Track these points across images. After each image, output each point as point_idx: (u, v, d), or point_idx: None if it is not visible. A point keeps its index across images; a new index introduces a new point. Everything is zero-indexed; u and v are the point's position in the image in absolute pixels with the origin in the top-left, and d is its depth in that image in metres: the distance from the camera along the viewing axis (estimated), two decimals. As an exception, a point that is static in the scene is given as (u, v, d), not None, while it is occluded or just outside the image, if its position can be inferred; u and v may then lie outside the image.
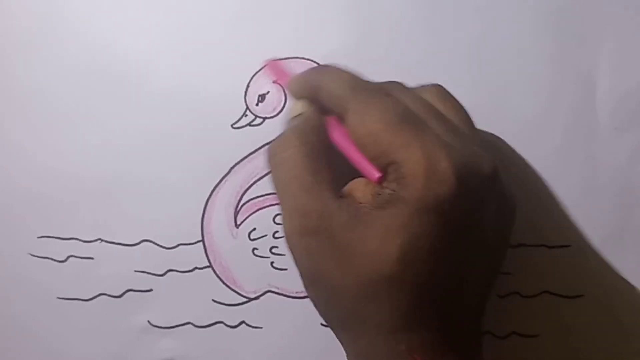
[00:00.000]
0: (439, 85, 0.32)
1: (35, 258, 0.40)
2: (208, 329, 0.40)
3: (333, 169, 0.30)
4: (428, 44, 0.40)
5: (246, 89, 0.40)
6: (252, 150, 0.40)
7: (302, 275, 0.30)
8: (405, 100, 0.29)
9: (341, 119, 0.30)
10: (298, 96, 0.33)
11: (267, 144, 0.40)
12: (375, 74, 0.40)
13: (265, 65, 0.39)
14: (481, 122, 0.40)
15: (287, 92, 0.35)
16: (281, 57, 0.40)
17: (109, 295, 0.40)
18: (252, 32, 0.40)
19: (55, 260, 0.40)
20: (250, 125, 0.40)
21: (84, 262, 0.40)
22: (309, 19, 0.40)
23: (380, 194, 0.27)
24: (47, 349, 0.40)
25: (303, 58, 0.40)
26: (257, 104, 0.40)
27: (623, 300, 0.39)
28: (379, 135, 0.27)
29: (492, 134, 0.39)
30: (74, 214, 0.40)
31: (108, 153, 0.40)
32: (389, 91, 0.30)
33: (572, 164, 0.40)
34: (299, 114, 0.32)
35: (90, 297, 0.40)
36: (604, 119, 0.40)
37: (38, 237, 0.40)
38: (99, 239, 0.40)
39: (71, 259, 0.40)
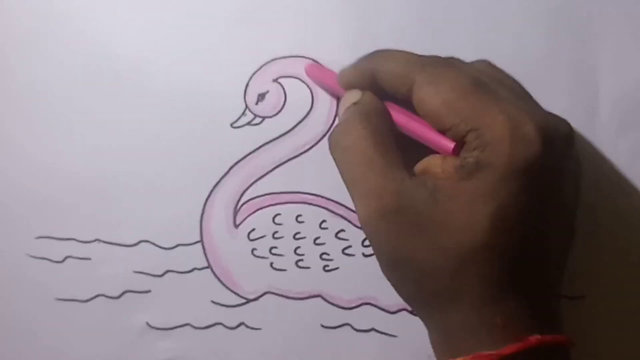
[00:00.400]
0: (487, 60, 0.32)
1: (33, 259, 0.40)
2: (207, 330, 0.40)
3: (401, 150, 0.29)
4: (427, 44, 0.40)
5: (245, 88, 0.40)
6: (252, 149, 0.40)
7: (382, 260, 0.30)
8: (471, 70, 0.29)
9: (406, 98, 0.30)
10: (352, 86, 0.33)
11: (266, 143, 0.40)
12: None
13: (306, 71, 0.39)
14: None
15: (339, 85, 0.34)
16: (281, 56, 0.40)
17: (107, 296, 0.40)
18: (251, 31, 0.40)
19: (53, 260, 0.40)
20: (249, 125, 0.40)
21: (81, 262, 0.40)
22: (309, 18, 0.40)
23: (463, 165, 0.26)
24: (45, 350, 0.40)
25: (303, 57, 0.40)
26: (256, 103, 0.40)
27: (624, 301, 0.39)
28: (455, 103, 0.27)
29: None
30: (71, 214, 0.40)
31: (106, 153, 0.40)
32: (452, 63, 0.30)
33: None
34: (355, 103, 0.32)
35: (88, 298, 0.40)
36: (604, 119, 0.40)
37: (36, 238, 0.40)
38: (97, 239, 0.40)
39: (69, 259, 0.40)
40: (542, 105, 0.40)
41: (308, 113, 0.40)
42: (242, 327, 0.40)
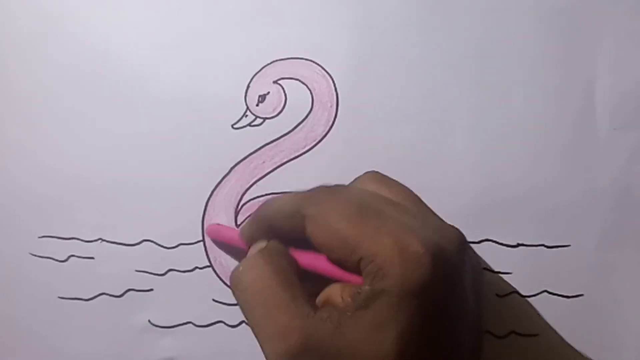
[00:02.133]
0: (375, 171, 0.32)
1: (36, 258, 0.40)
2: (208, 328, 0.40)
3: (304, 282, 0.29)
4: (429, 45, 0.40)
5: (246, 90, 0.40)
6: (253, 150, 0.40)
7: None
8: (356, 195, 0.29)
9: (301, 234, 0.29)
10: (254, 239, 0.33)
11: (267, 144, 0.40)
12: (377, 74, 0.40)
13: (206, 233, 0.40)
14: (481, 123, 0.40)
15: (241, 243, 0.34)
16: (282, 58, 0.40)
17: (110, 295, 0.40)
18: (252, 33, 0.40)
19: (56, 260, 0.40)
20: (250, 126, 0.40)
21: (84, 261, 0.40)
22: (309, 19, 0.40)
23: (359, 293, 0.26)
24: (48, 349, 0.40)
25: (303, 59, 0.40)
26: (257, 105, 0.40)
27: (623, 300, 0.39)
28: (343, 233, 0.26)
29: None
30: (74, 214, 0.40)
31: (109, 153, 0.40)
32: (338, 191, 0.29)
33: (571, 164, 0.40)
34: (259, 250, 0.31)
35: (91, 296, 0.40)
36: (603, 119, 0.40)
37: (39, 237, 0.40)
38: (100, 238, 0.40)
39: (72, 258, 0.40)
40: (542, 105, 0.40)
41: (308, 114, 0.40)
42: (244, 325, 0.40)
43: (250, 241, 0.33)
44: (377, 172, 0.32)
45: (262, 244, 0.31)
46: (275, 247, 0.31)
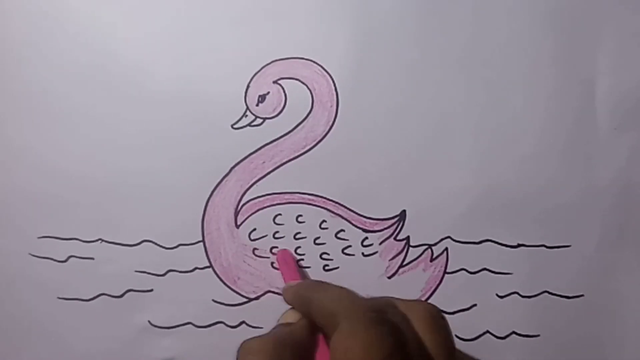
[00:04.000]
0: (434, 307, 0.29)
1: (36, 258, 0.40)
2: (208, 329, 0.40)
3: None
4: (429, 45, 0.40)
5: (246, 90, 0.40)
6: (253, 150, 0.40)
7: None
8: (398, 334, 0.26)
9: (329, 337, 0.28)
10: (291, 304, 0.32)
11: (267, 144, 0.40)
12: (377, 74, 0.40)
13: (277, 256, 0.40)
14: (482, 123, 0.40)
15: (284, 298, 0.34)
16: (281, 58, 0.40)
17: (110, 295, 0.40)
18: (252, 33, 0.40)
19: (55, 260, 0.40)
20: (250, 126, 0.40)
21: (84, 262, 0.40)
22: (309, 20, 0.40)
23: None
24: (48, 349, 0.40)
25: (303, 58, 0.40)
26: (257, 105, 0.40)
27: (623, 300, 0.39)
28: None
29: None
30: (74, 214, 0.40)
31: (108, 153, 0.40)
32: (382, 316, 0.27)
33: (571, 164, 0.40)
34: (288, 323, 0.31)
35: (91, 297, 0.40)
36: (603, 119, 0.40)
37: (38, 237, 0.40)
38: (100, 239, 0.40)
39: (72, 259, 0.40)
40: (542, 105, 0.40)
41: (308, 114, 0.40)
42: (243, 325, 0.40)
43: (288, 302, 0.32)
44: (436, 309, 0.28)
45: (294, 317, 0.31)
46: (295, 336, 0.29)
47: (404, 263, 0.40)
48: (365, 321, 0.26)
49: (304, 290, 0.31)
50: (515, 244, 0.40)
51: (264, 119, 0.40)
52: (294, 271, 0.38)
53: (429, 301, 0.40)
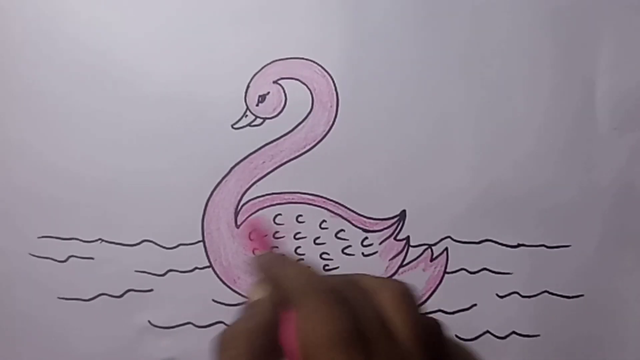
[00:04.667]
0: (403, 284, 0.28)
1: (36, 258, 0.40)
2: (208, 328, 0.40)
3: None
4: (429, 45, 0.40)
5: (246, 90, 0.40)
6: (252, 150, 0.40)
7: None
8: (357, 312, 0.26)
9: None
10: (259, 276, 0.31)
11: (267, 144, 0.40)
12: (377, 74, 0.40)
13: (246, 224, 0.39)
14: (482, 123, 0.40)
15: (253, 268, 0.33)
16: (281, 58, 0.40)
17: (110, 295, 0.40)
18: (252, 33, 0.40)
19: (55, 260, 0.40)
20: (250, 126, 0.40)
21: (84, 262, 0.40)
22: (309, 20, 0.40)
23: None
24: (48, 349, 0.40)
25: (303, 58, 0.40)
26: (257, 105, 0.40)
27: (623, 299, 0.39)
28: (322, 350, 0.25)
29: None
30: (74, 214, 0.40)
31: (108, 154, 0.40)
32: (343, 296, 0.27)
33: (571, 165, 0.40)
34: (256, 301, 0.30)
35: (91, 297, 0.40)
36: (603, 119, 0.40)
37: (38, 237, 0.40)
38: (100, 239, 0.40)
39: (72, 259, 0.40)
40: (542, 105, 0.40)
41: (308, 114, 0.40)
42: (244, 325, 0.40)
43: (257, 274, 0.32)
44: (406, 288, 0.28)
45: (259, 292, 0.31)
46: (263, 318, 0.29)
47: (404, 263, 0.40)
48: (319, 301, 0.26)
49: (266, 266, 0.31)
50: (516, 243, 0.40)
51: (264, 119, 0.40)
52: (262, 240, 0.38)
53: (429, 301, 0.40)
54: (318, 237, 0.40)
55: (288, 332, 0.28)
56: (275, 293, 0.29)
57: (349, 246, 0.40)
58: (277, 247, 0.38)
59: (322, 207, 0.40)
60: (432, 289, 0.40)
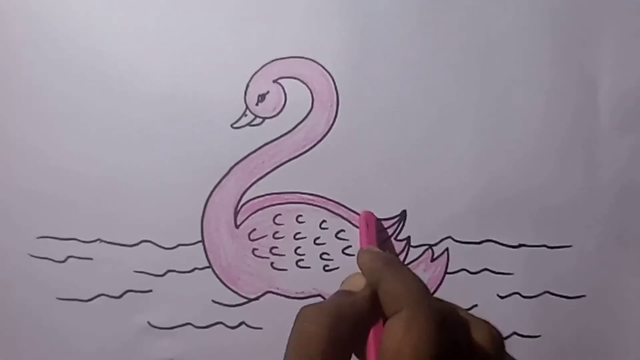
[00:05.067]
0: (497, 330, 0.28)
1: (35, 258, 0.40)
2: (208, 329, 0.40)
3: None
4: (429, 45, 0.40)
5: (246, 89, 0.40)
6: (252, 150, 0.40)
7: None
8: (452, 334, 0.26)
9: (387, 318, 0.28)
10: (361, 270, 0.31)
11: (267, 144, 0.40)
12: (377, 74, 0.40)
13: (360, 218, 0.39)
14: (482, 123, 0.40)
15: (357, 262, 0.32)
16: (281, 57, 0.40)
17: (109, 296, 0.40)
18: (252, 32, 0.40)
19: (54, 260, 0.40)
20: (250, 125, 0.40)
21: (83, 262, 0.40)
22: (309, 18, 0.40)
23: None
24: (47, 350, 0.40)
25: (303, 57, 0.40)
26: (256, 104, 0.40)
27: (624, 300, 0.39)
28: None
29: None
30: (73, 214, 0.40)
31: (108, 153, 0.40)
32: (445, 316, 0.27)
33: (572, 164, 0.40)
34: (351, 291, 0.30)
35: (90, 297, 0.40)
36: (604, 119, 0.40)
37: (37, 238, 0.40)
38: (99, 239, 0.40)
39: (70, 259, 0.40)
40: (543, 105, 0.40)
41: (308, 114, 0.40)
42: (243, 326, 0.40)
43: (359, 267, 0.32)
44: (499, 335, 0.28)
45: (360, 283, 0.30)
46: (355, 310, 0.28)
47: (405, 263, 0.40)
48: (428, 314, 0.26)
49: (379, 264, 0.30)
50: (516, 244, 0.39)
51: (264, 118, 0.40)
52: (372, 236, 0.38)
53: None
54: (318, 237, 0.40)
55: (379, 329, 0.28)
56: (377, 294, 0.28)
57: (349, 246, 0.40)
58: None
59: (322, 207, 0.40)
60: (433, 290, 0.40)
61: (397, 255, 0.40)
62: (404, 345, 0.24)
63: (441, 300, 0.29)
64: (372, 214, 0.40)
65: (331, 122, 0.40)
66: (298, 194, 0.40)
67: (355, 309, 0.28)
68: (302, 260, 0.40)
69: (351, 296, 0.29)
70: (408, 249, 0.40)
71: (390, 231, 0.40)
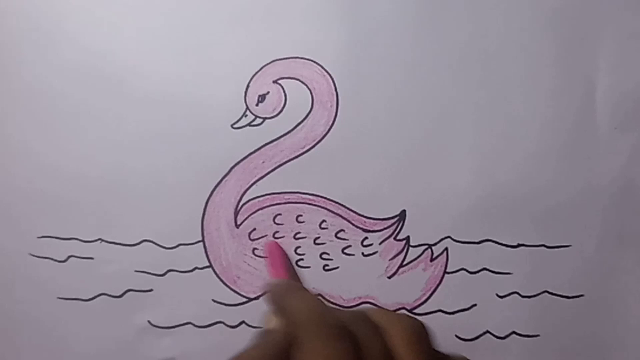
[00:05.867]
0: (417, 321, 0.27)
1: (36, 258, 0.40)
2: (208, 328, 0.40)
3: None
4: (429, 45, 0.40)
5: (246, 90, 0.40)
6: (252, 150, 0.40)
7: None
8: (363, 349, 0.26)
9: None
10: (271, 306, 0.31)
11: (267, 144, 0.40)
12: (377, 74, 0.40)
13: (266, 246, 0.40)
14: (482, 123, 0.40)
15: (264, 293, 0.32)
16: (281, 58, 0.40)
17: (110, 295, 0.40)
18: (252, 33, 0.40)
19: (55, 260, 0.40)
20: (250, 126, 0.40)
21: (84, 262, 0.40)
22: (309, 19, 0.40)
23: None
24: (48, 349, 0.40)
25: (303, 58, 0.40)
26: (257, 104, 0.40)
27: (623, 299, 0.39)
28: None
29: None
30: (74, 214, 0.40)
31: (108, 153, 0.40)
32: (350, 331, 0.26)
33: (572, 164, 0.40)
34: (269, 330, 0.30)
35: (91, 297, 0.40)
36: (604, 119, 0.40)
37: (38, 237, 0.40)
38: (99, 238, 0.40)
39: (71, 259, 0.40)
40: (542, 105, 0.40)
41: (308, 114, 0.40)
42: (243, 325, 0.40)
43: (267, 303, 0.32)
44: (420, 326, 0.27)
45: (272, 320, 0.30)
46: (273, 351, 0.28)
47: (404, 263, 0.40)
48: (323, 337, 0.26)
49: (277, 296, 0.31)
50: (515, 243, 0.40)
51: (264, 118, 0.40)
52: (278, 265, 0.38)
53: (429, 301, 0.40)
54: (318, 237, 0.40)
55: None
56: (286, 326, 0.28)
57: (349, 246, 0.40)
58: (294, 274, 0.39)
59: (322, 207, 0.40)
60: (432, 289, 0.40)
61: (397, 255, 0.40)
62: None
63: (347, 311, 0.28)
64: (276, 243, 0.40)
65: (331, 123, 0.40)
66: (298, 194, 0.40)
67: (272, 350, 0.27)
68: (302, 260, 0.40)
69: (265, 337, 0.29)
70: (407, 248, 0.40)
71: (389, 231, 0.40)
